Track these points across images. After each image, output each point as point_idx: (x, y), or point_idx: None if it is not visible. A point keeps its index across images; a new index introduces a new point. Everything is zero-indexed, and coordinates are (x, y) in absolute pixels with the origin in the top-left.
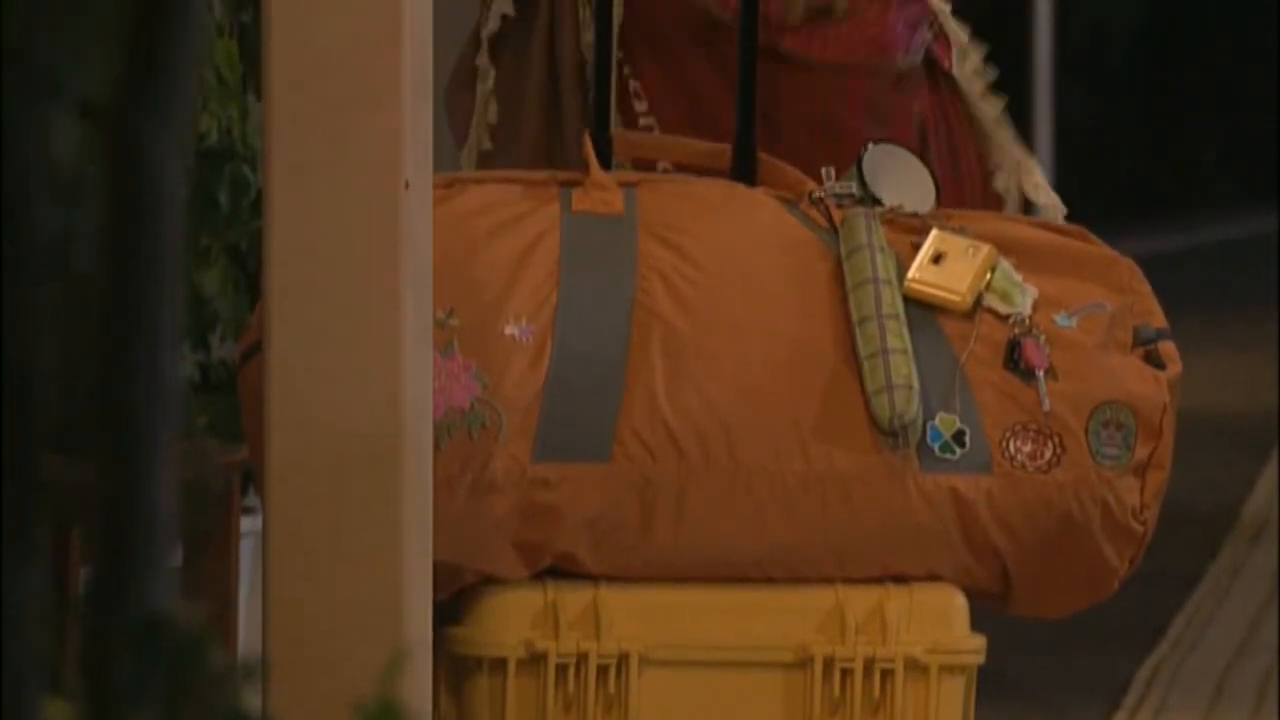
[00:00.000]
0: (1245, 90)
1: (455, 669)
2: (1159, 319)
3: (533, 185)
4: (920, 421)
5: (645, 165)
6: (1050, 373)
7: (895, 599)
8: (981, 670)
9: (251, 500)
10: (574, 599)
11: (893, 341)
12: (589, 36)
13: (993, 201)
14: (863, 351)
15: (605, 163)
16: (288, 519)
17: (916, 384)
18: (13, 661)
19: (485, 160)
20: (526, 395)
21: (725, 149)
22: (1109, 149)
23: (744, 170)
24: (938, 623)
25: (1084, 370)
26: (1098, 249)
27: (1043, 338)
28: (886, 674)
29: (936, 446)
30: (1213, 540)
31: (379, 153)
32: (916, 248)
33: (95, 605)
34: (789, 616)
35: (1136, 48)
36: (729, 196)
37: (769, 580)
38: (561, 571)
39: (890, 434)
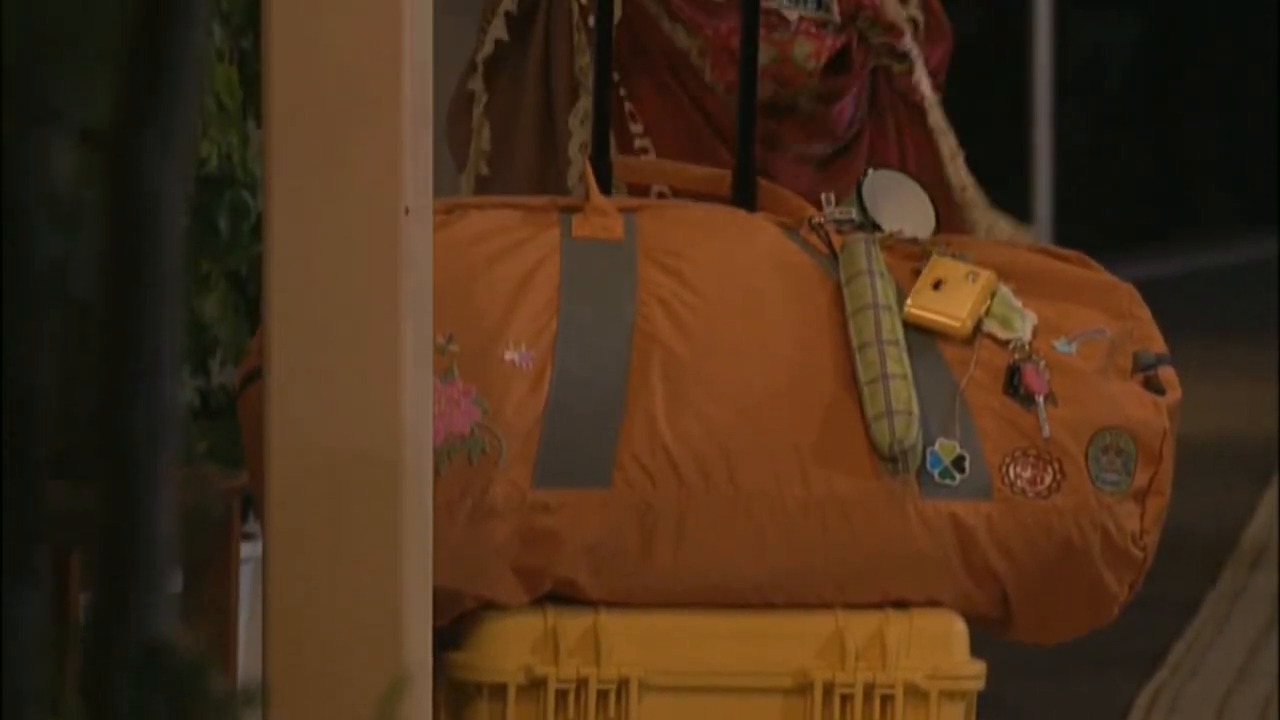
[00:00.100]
0: (1244, 115)
1: (455, 695)
2: (1159, 344)
3: (533, 211)
4: (920, 447)
5: (641, 190)
6: (1050, 398)
7: (895, 624)
8: (981, 696)
9: (252, 526)
10: (574, 624)
11: (893, 367)
12: (584, 60)
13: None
14: (863, 377)
15: (605, 188)
16: (288, 544)
17: (916, 409)
18: (13, 686)
19: (482, 185)
20: (526, 421)
21: (725, 174)
22: (1108, 173)
23: (744, 196)
24: (938, 648)
25: (1084, 396)
26: (1097, 274)
27: (1042, 363)
28: (886, 700)
29: (936, 472)
30: (1213, 566)
31: (379, 178)
32: (916, 273)
33: (96, 630)
34: (789, 642)
35: (1135, 72)
36: (729, 222)
37: (769, 605)
38: (561, 597)
39: (890, 459)
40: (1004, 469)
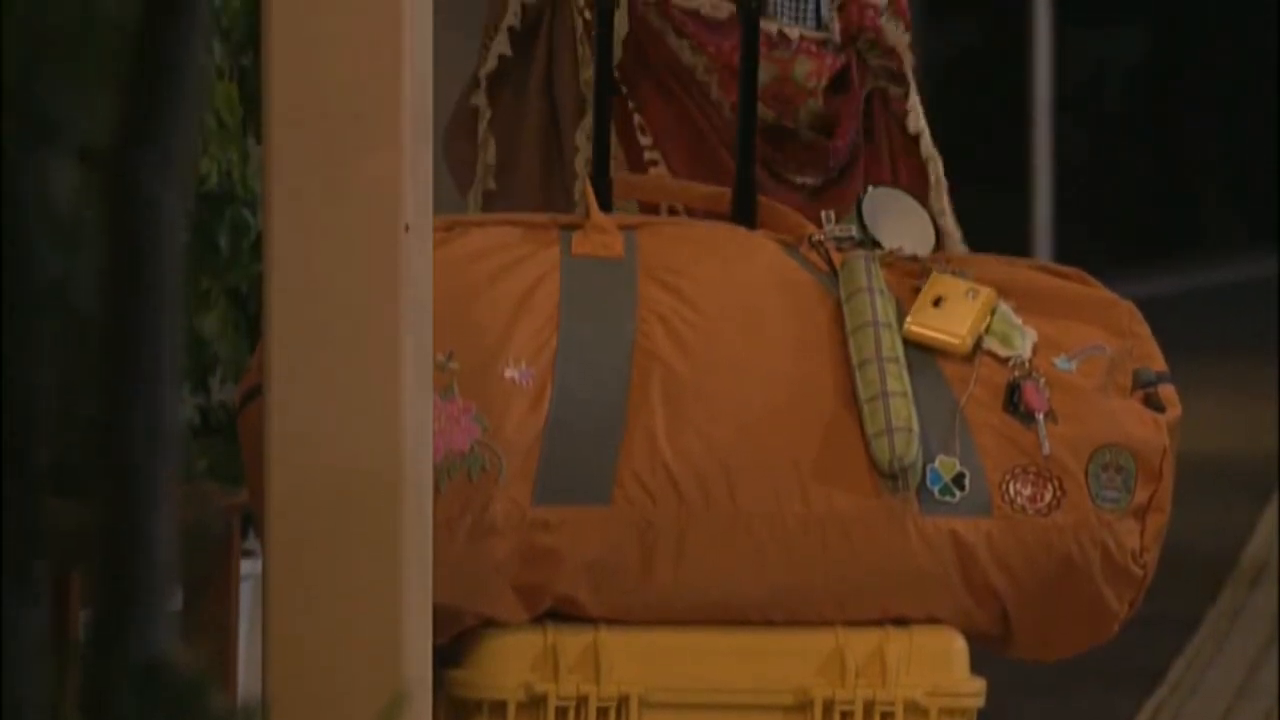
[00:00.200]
0: (1245, 132)
1: (455, 712)
2: (1159, 362)
3: (533, 228)
4: (920, 464)
5: (652, 208)
6: (1050, 416)
7: (895, 642)
8: (981, 713)
9: (251, 543)
10: (574, 642)
11: (893, 384)
12: (588, 74)
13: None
14: (863, 394)
15: (605, 205)
16: (288, 562)
17: (916, 427)
18: (14, 703)
19: (488, 200)
20: (526, 438)
21: (725, 192)
22: (1108, 191)
23: (744, 213)
24: (938, 665)
25: (1084, 413)
26: (1097, 292)
27: (1042, 380)
28: (886, 717)
29: (936, 489)
30: (1213, 583)
31: (379, 196)
32: (916, 290)
33: (96, 647)
34: (789, 659)
35: (1136, 88)
36: (729, 239)
37: (769, 623)
38: (561, 614)
39: (890, 477)
40: (1004, 486)
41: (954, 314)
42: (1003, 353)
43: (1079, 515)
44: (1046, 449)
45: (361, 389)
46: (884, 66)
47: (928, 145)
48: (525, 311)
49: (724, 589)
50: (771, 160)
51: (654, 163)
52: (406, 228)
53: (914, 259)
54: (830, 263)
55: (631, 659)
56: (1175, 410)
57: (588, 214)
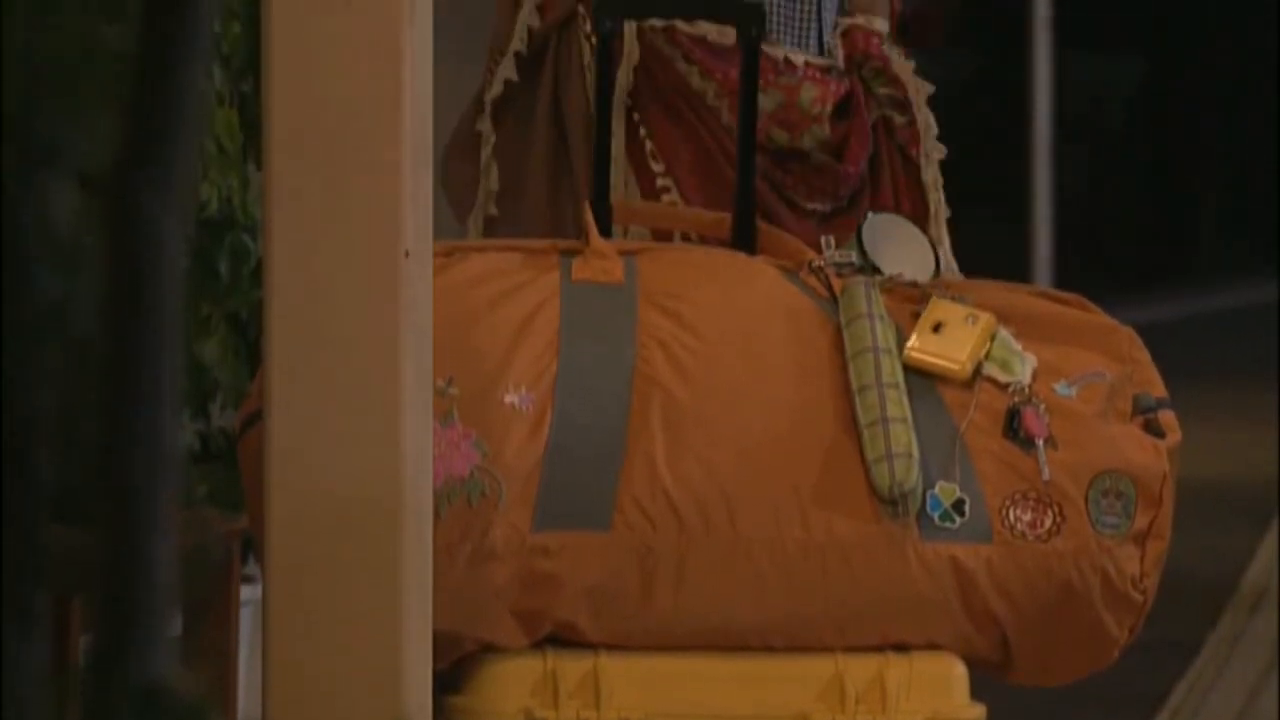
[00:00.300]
0: (1244, 159)
1: None
2: (1158, 388)
3: (533, 254)
4: (920, 490)
5: (664, 235)
6: (1050, 441)
7: (895, 667)
8: None
9: (251, 569)
10: (574, 667)
11: (892, 410)
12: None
13: None
14: (862, 420)
15: (605, 231)
16: (288, 587)
17: (916, 452)
18: None
19: (490, 226)
20: (526, 464)
21: (726, 218)
22: (1108, 217)
23: (744, 239)
24: (938, 691)
25: (1084, 439)
26: (1097, 318)
27: (1042, 406)
28: None
29: (936, 515)
30: (1213, 609)
31: (379, 222)
32: (916, 316)
33: (96, 673)
34: (789, 685)
35: (1135, 116)
36: (729, 265)
37: (769, 648)
38: (561, 640)
39: (890, 502)
40: (1004, 512)
41: (954, 340)
42: (1002, 378)
43: (1079, 541)
44: (1046, 475)
45: (361, 415)
46: (889, 94)
47: (931, 176)
48: (525, 337)
49: (724, 614)
50: (782, 185)
51: (666, 189)
52: (406, 253)
53: (914, 285)
54: (830, 288)
55: (631, 684)
56: (1175, 436)
57: (587, 240)
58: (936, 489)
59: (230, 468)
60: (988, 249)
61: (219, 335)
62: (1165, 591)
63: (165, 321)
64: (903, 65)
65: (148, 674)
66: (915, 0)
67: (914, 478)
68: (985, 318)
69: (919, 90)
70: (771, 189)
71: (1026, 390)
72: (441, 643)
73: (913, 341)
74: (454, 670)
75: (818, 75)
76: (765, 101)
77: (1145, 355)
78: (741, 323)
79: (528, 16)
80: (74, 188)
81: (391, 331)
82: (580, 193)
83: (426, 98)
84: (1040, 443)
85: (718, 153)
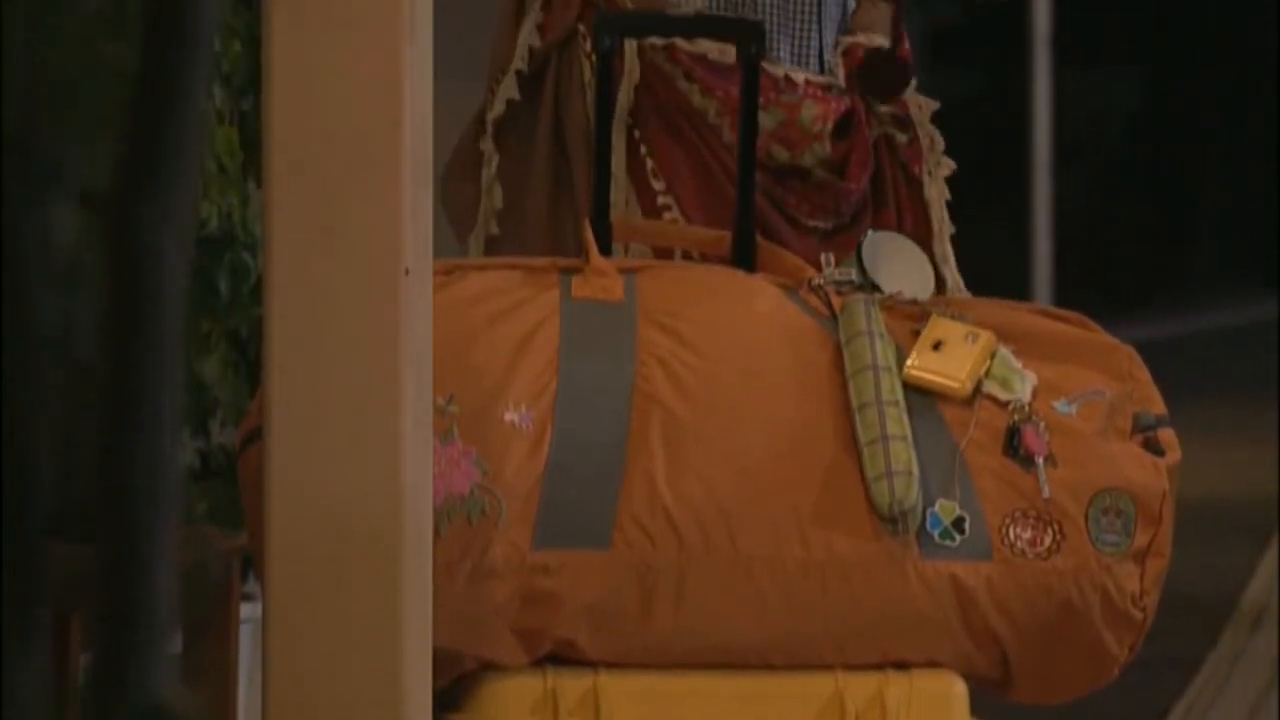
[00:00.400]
0: (1243, 177)
1: None
2: (1158, 406)
3: (533, 272)
4: (920, 508)
5: (666, 253)
6: (1050, 459)
7: (895, 685)
8: None
9: (251, 587)
10: (574, 685)
11: (892, 428)
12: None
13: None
14: (862, 438)
15: (605, 249)
16: (287, 605)
17: (916, 470)
18: None
19: (492, 245)
20: (526, 482)
21: (725, 235)
22: (1107, 235)
23: (744, 256)
24: (938, 709)
25: (1083, 457)
26: (1097, 336)
27: (1042, 424)
28: None
29: (936, 533)
30: (1213, 627)
31: (379, 239)
32: (916, 334)
33: (96, 691)
34: (789, 703)
35: (1135, 133)
36: (729, 283)
37: (769, 666)
38: (561, 658)
39: (890, 520)
40: (1004, 530)
41: (954, 358)
42: (1003, 396)
43: (1079, 559)
44: (1046, 493)
45: (361, 432)
46: (890, 112)
47: (934, 192)
48: (525, 355)
49: (724, 633)
50: (783, 202)
51: (667, 207)
52: (406, 271)
53: (914, 303)
54: (830, 306)
55: (631, 702)
56: (1175, 454)
57: (587, 258)
58: (936, 507)
59: (230, 485)
60: (988, 266)
61: (219, 353)
62: (1165, 609)
63: (165, 339)
64: None
65: (148, 692)
66: (875, 51)
67: (914, 495)
68: (985, 336)
69: (922, 107)
70: (772, 206)
71: (1026, 408)
72: (441, 661)
73: (913, 359)
74: (454, 688)
75: (819, 93)
76: (766, 119)
77: (1145, 373)
78: (741, 340)
79: (528, 35)
80: (75, 206)
81: (391, 349)
82: (581, 211)
83: (426, 115)
84: (1040, 460)
85: (719, 171)
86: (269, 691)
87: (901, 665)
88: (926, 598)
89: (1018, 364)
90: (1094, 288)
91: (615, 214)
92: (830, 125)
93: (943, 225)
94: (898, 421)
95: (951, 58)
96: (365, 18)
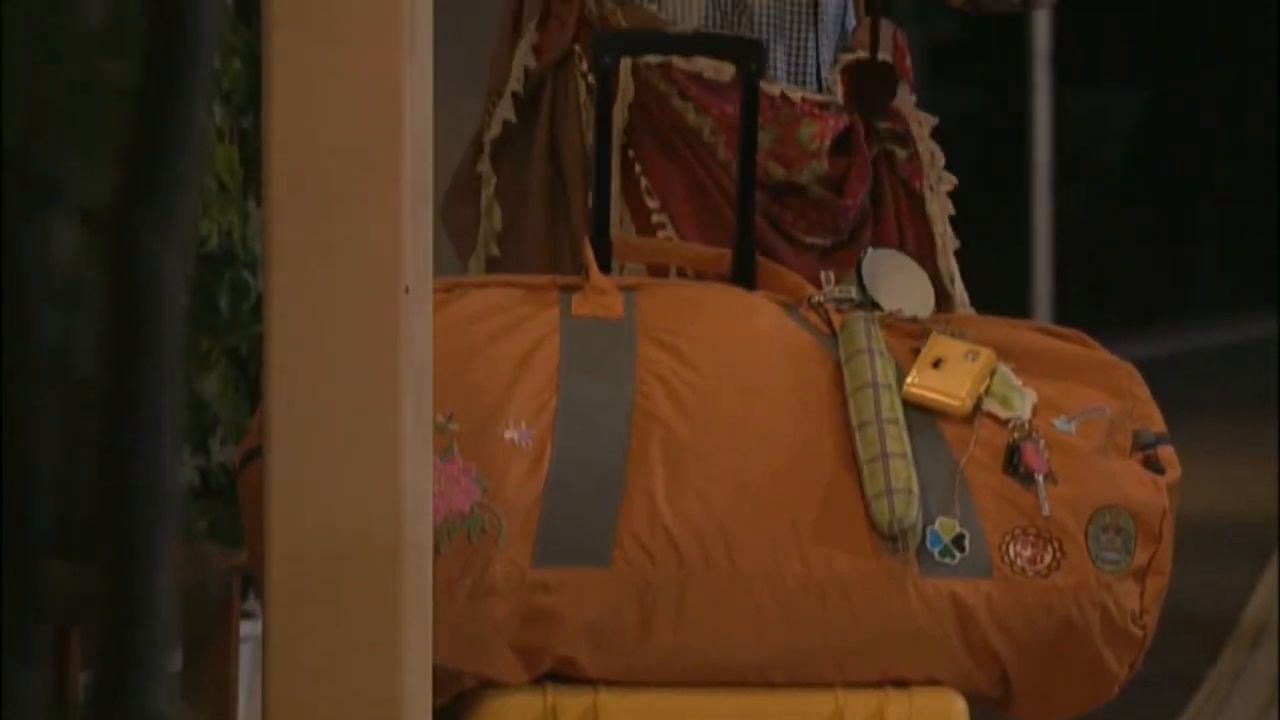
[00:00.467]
0: (1243, 194)
1: None
2: (1158, 423)
3: (533, 289)
4: (920, 526)
5: (660, 270)
6: (1050, 477)
7: (895, 703)
8: None
9: (251, 604)
10: (573, 703)
11: (892, 446)
12: (592, 137)
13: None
14: (862, 456)
15: (605, 266)
16: (287, 623)
17: (916, 488)
18: None
19: (493, 266)
20: (526, 499)
21: (725, 253)
22: (1107, 253)
23: (743, 274)
24: None
25: (1083, 475)
26: (1097, 354)
27: (1042, 442)
28: None
29: (936, 551)
30: (1213, 644)
31: (379, 257)
32: (916, 352)
33: (96, 709)
34: None
35: (1134, 150)
36: (729, 300)
37: (769, 684)
38: (561, 675)
39: (890, 538)
40: (1004, 548)
41: (954, 375)
42: (1002, 414)
43: (1079, 577)
44: (1046, 510)
45: (361, 450)
46: (889, 129)
47: (935, 208)
48: (525, 372)
49: (723, 650)
50: (780, 220)
51: (661, 225)
52: (406, 289)
53: (914, 320)
54: (830, 324)
55: None
56: (1175, 472)
57: (587, 275)
58: (936, 524)
59: (230, 503)
60: (988, 283)
61: (219, 370)
62: (1165, 627)
63: (165, 357)
64: (903, 99)
65: (148, 709)
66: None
67: (914, 513)
68: (985, 353)
69: (922, 123)
70: (769, 224)
71: (1026, 426)
72: (441, 678)
73: (912, 377)
74: (454, 706)
75: (816, 111)
76: (762, 138)
77: (1145, 391)
78: (741, 358)
79: (524, 57)
80: (75, 223)
81: (391, 367)
82: (577, 231)
83: (426, 133)
84: (1040, 478)
85: (713, 189)
86: (269, 709)
87: (901, 683)
88: (926, 615)
89: (1018, 382)
90: (1094, 305)
91: (613, 232)
92: (828, 143)
93: (946, 241)
94: (898, 439)
95: (951, 74)
96: (365, 35)
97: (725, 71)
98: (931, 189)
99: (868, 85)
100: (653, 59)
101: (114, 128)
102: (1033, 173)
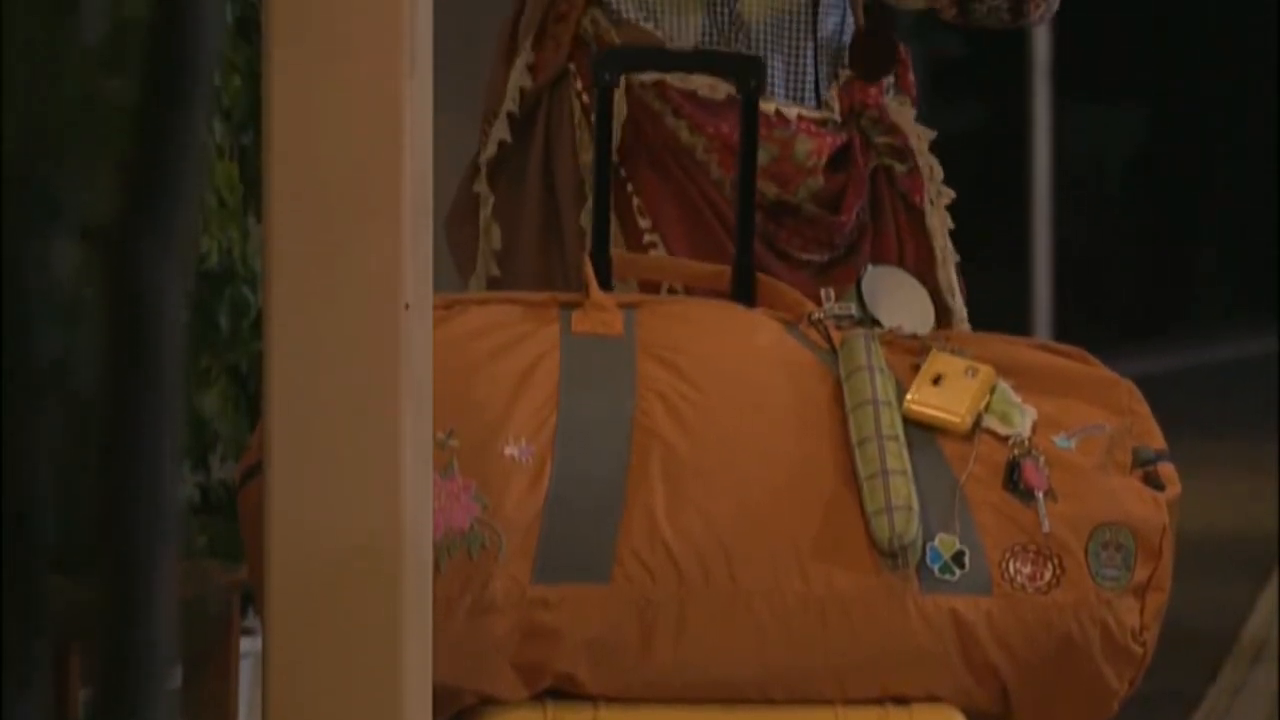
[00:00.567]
0: (1243, 213)
1: None
2: (1158, 440)
3: (533, 306)
4: (920, 542)
5: (652, 287)
6: (1050, 494)
7: None
8: None
9: (251, 621)
10: (573, 719)
11: (892, 462)
12: (587, 157)
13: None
14: (862, 472)
15: (605, 283)
16: (287, 640)
17: (916, 505)
18: None
19: (493, 286)
20: (526, 516)
21: (725, 270)
22: (1107, 271)
23: (743, 291)
24: None
25: (1083, 491)
26: (1097, 370)
27: (1042, 459)
28: None
29: (936, 567)
30: (1213, 661)
31: (379, 274)
32: (916, 369)
33: None
34: None
35: (1135, 168)
36: (728, 317)
37: (769, 701)
38: (561, 692)
39: (890, 555)
40: (1004, 564)
41: (953, 392)
42: (1002, 431)
43: (1079, 593)
44: (1046, 527)
45: (361, 467)
46: (888, 144)
47: (935, 222)
48: (525, 389)
49: (723, 667)
50: (775, 237)
51: (653, 245)
52: (406, 306)
53: (914, 337)
54: (830, 341)
55: None
56: (1175, 488)
57: (587, 292)
58: (936, 541)
59: (230, 520)
60: (988, 300)
61: (219, 387)
62: (1165, 643)
63: (165, 374)
64: (902, 113)
65: None
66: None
67: (914, 530)
68: (985, 370)
69: (920, 137)
70: (763, 242)
71: (1026, 443)
72: (441, 695)
73: (912, 394)
74: None
75: (812, 128)
76: (759, 156)
77: (1145, 408)
78: (741, 375)
79: (519, 76)
80: (75, 240)
81: (391, 384)
82: (569, 251)
83: (426, 150)
84: (1040, 495)
85: (705, 208)
86: None
87: (901, 700)
88: (926, 632)
89: (1017, 398)
90: (1093, 321)
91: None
92: (824, 160)
93: (946, 254)
94: (898, 456)
95: (952, 90)
96: (365, 52)
97: (720, 90)
98: (931, 203)
99: (869, 53)
100: (647, 77)
101: (114, 144)
102: (1033, 188)
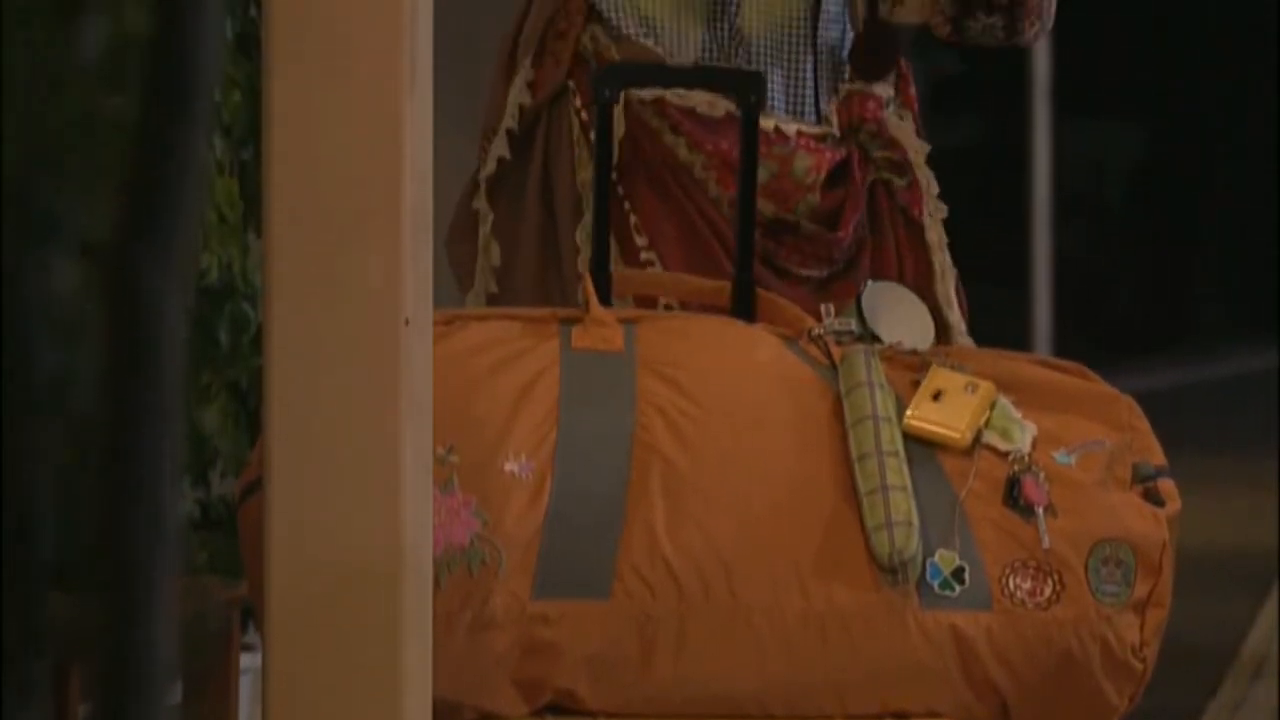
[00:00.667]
0: (1242, 229)
1: None
2: (1158, 456)
3: (533, 322)
4: (920, 558)
5: (649, 302)
6: (1050, 510)
7: None
8: None
9: (251, 637)
10: None
11: (892, 478)
12: (585, 174)
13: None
14: (862, 488)
15: (605, 299)
16: (287, 656)
17: (916, 521)
18: None
19: (493, 303)
20: (526, 532)
21: (725, 286)
22: (1107, 287)
23: (743, 307)
24: None
25: (1083, 507)
26: (1097, 386)
27: (1042, 475)
28: None
29: (936, 583)
30: (1213, 677)
31: (379, 290)
32: (916, 384)
33: None
34: None
35: (1134, 185)
36: (728, 333)
37: (769, 716)
38: (561, 708)
39: (890, 571)
40: (1004, 580)
41: (953, 408)
42: (1002, 447)
43: (1079, 609)
44: (1046, 543)
45: (361, 483)
46: (886, 158)
47: (934, 236)
48: (525, 405)
49: (723, 683)
50: (773, 254)
51: (650, 262)
52: (406, 321)
53: (914, 353)
54: (830, 356)
55: None
56: (1175, 504)
57: (587, 308)
58: (936, 557)
59: (230, 536)
60: (988, 316)
61: (219, 403)
62: (1165, 659)
63: (166, 390)
64: (901, 126)
65: None
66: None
67: (914, 546)
68: (985, 386)
69: (918, 150)
70: (761, 258)
71: (1026, 458)
72: (441, 711)
73: (912, 410)
74: None
75: (811, 144)
76: (758, 173)
77: (1145, 424)
78: (741, 390)
79: (519, 93)
80: (75, 257)
81: (391, 399)
82: (568, 268)
83: (427, 167)
84: (1040, 511)
85: (703, 225)
86: None
87: (901, 715)
88: (926, 648)
89: (1017, 414)
90: (1093, 337)
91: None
92: (823, 176)
93: (944, 268)
94: (897, 472)
95: (952, 107)
96: (365, 69)
97: (718, 107)
98: (930, 216)
99: (870, 51)
100: (646, 94)
101: (114, 161)
102: (1032, 205)
